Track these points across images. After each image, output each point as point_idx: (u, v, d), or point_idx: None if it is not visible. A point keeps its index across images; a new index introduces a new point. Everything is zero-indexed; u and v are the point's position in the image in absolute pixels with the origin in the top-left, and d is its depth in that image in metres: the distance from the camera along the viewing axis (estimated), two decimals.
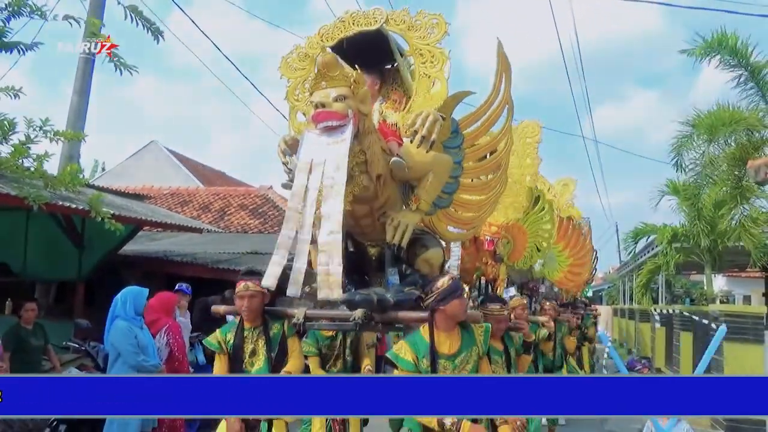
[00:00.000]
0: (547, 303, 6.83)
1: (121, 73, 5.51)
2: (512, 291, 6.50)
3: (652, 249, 15.58)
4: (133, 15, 5.50)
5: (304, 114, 3.79)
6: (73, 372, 5.09)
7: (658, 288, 18.54)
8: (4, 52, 5.12)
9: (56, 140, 6.01)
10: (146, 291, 5.08)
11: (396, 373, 3.11)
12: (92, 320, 7.88)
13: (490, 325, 3.34)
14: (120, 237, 7.74)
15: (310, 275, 3.23)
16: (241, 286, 3.50)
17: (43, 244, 8.08)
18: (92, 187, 7.32)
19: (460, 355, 3.08)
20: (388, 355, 3.18)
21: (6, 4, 4.93)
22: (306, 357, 4.16)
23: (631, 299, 21.83)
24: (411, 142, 3.38)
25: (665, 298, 18.37)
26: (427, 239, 3.74)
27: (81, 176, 6.37)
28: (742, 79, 10.41)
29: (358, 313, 3.15)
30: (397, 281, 3.48)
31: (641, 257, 17.13)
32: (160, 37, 5.66)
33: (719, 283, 22.50)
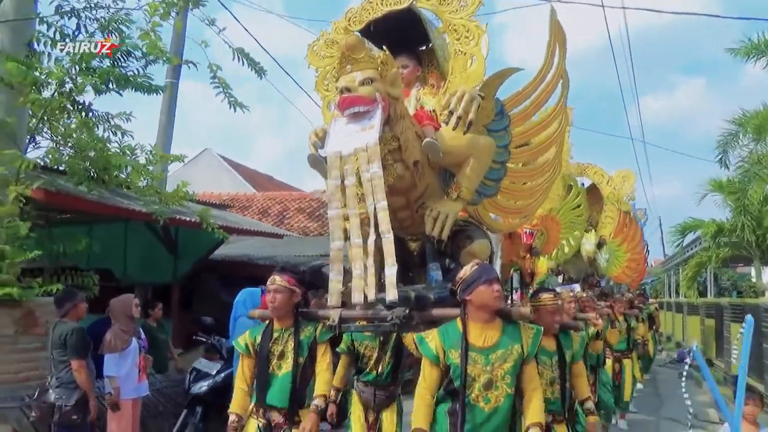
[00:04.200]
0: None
1: (235, 111, 6.31)
2: (576, 287, 6.82)
3: (698, 244, 15.79)
4: (240, 56, 6.25)
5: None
6: (203, 362, 5.87)
7: (704, 281, 18.67)
8: (148, 94, 5.92)
9: (155, 161, 6.92)
10: (259, 290, 5.77)
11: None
12: (183, 317, 8.76)
13: (542, 329, 3.00)
14: (210, 244, 8.62)
15: (347, 274, 3.05)
16: (269, 279, 3.38)
17: (141, 252, 8.89)
18: (191, 200, 8.11)
19: (496, 350, 2.78)
20: (415, 336, 2.96)
21: (143, 53, 5.74)
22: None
23: (677, 293, 21.93)
24: (447, 124, 3.17)
25: (712, 291, 18.50)
26: (473, 230, 3.46)
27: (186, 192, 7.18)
28: None
29: (397, 312, 2.95)
30: (440, 277, 3.26)
31: (687, 251, 17.33)
32: (263, 75, 6.41)
33: None
